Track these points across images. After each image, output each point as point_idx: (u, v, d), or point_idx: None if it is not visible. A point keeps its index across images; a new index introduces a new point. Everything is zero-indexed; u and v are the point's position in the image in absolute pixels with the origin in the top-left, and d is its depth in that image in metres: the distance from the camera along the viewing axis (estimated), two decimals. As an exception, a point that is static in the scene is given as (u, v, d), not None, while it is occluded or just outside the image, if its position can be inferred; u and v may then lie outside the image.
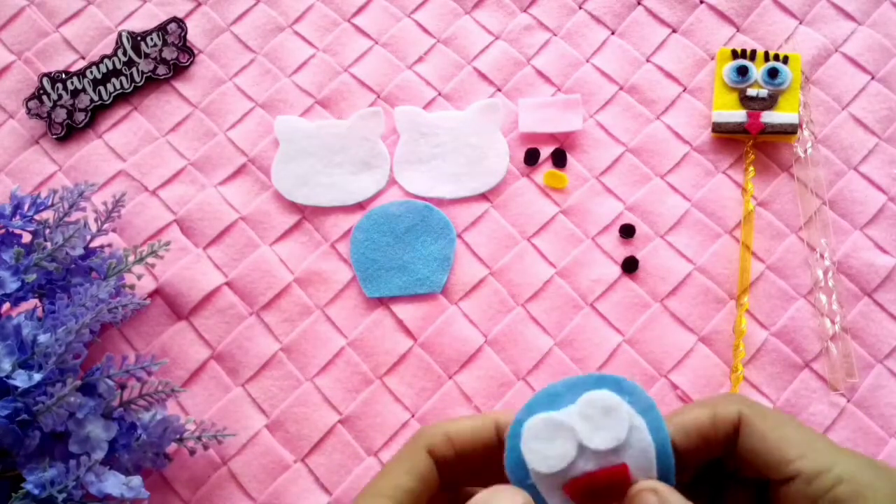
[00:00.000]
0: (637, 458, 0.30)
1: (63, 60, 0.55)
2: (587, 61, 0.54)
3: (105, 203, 0.48)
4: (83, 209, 0.46)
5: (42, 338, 0.40)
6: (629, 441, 0.30)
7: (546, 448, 0.30)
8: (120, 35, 0.54)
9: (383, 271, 0.49)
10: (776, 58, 0.51)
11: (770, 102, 0.50)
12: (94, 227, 0.47)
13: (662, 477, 0.30)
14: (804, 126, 0.51)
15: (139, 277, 0.48)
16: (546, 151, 0.51)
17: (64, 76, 0.54)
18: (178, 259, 0.50)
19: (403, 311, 0.48)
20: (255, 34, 0.55)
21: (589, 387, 0.31)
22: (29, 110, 0.53)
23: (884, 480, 0.26)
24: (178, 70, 0.54)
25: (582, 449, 0.30)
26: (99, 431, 0.40)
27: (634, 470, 0.30)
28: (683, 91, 0.53)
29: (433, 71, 0.54)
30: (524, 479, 0.30)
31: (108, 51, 0.55)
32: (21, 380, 0.38)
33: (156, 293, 0.49)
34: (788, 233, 0.49)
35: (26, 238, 0.45)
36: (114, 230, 0.51)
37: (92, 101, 0.54)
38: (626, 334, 0.48)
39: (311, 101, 0.53)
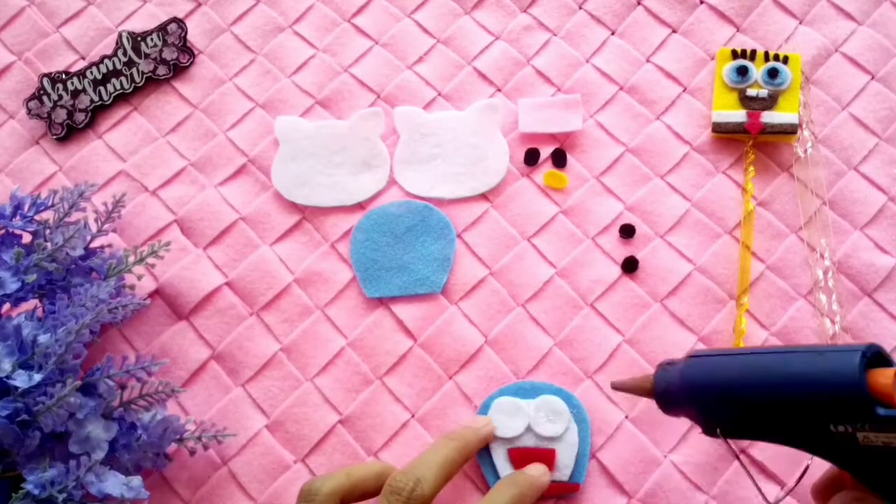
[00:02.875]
0: (564, 450, 0.43)
1: (63, 61, 0.55)
2: (587, 61, 0.54)
3: (105, 203, 0.48)
4: (83, 209, 0.46)
5: (42, 338, 0.40)
6: (563, 437, 0.44)
7: (505, 420, 0.44)
8: (120, 35, 0.54)
9: (383, 271, 0.49)
10: (776, 58, 0.51)
11: (770, 102, 0.50)
12: (94, 228, 0.47)
13: (577, 468, 0.44)
14: (804, 126, 0.51)
15: (139, 278, 0.48)
16: (546, 151, 0.51)
17: (64, 76, 0.54)
18: (178, 259, 0.50)
19: (403, 311, 0.48)
20: (255, 34, 0.55)
21: (550, 392, 0.45)
22: (29, 110, 0.53)
23: None
24: (178, 70, 0.54)
25: (529, 429, 0.44)
26: (99, 431, 0.40)
27: (559, 457, 0.43)
28: (683, 91, 0.53)
29: (433, 71, 0.54)
30: None
31: (109, 51, 0.55)
32: (21, 380, 0.38)
33: (156, 293, 0.49)
34: (788, 233, 0.49)
35: (26, 238, 0.45)
36: (114, 230, 0.51)
37: (92, 101, 0.54)
38: (626, 334, 0.48)
39: (311, 101, 0.53)
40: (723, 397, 0.32)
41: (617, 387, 0.40)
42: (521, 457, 0.44)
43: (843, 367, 0.28)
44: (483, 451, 0.44)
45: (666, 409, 0.36)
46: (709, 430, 0.34)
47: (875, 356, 0.28)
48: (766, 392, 0.30)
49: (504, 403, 0.45)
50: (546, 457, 0.44)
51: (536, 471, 0.42)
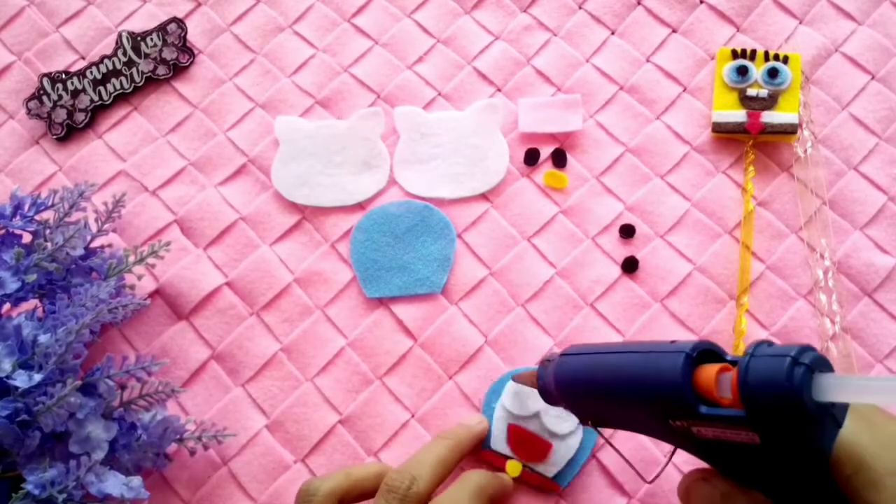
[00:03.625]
0: (561, 449, 0.44)
1: (63, 60, 0.55)
2: (587, 61, 0.54)
3: (105, 203, 0.48)
4: (83, 209, 0.46)
5: (42, 338, 0.40)
6: (566, 437, 0.44)
7: (520, 398, 0.45)
8: (120, 35, 0.54)
9: (383, 271, 0.49)
10: (776, 58, 0.51)
11: (770, 102, 0.50)
12: (94, 228, 0.47)
13: (564, 470, 0.44)
14: (804, 126, 0.51)
15: (139, 278, 0.48)
16: (546, 151, 0.51)
17: (64, 76, 0.54)
18: (178, 259, 0.50)
19: (403, 311, 0.48)
20: (255, 34, 0.55)
21: None
22: (29, 110, 0.53)
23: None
24: (178, 70, 0.54)
25: (537, 416, 0.44)
26: (99, 431, 0.40)
27: (553, 453, 0.44)
28: (683, 91, 0.53)
29: (433, 71, 0.54)
30: (492, 401, 0.46)
31: (108, 51, 0.55)
32: (21, 380, 0.38)
33: (156, 293, 0.49)
34: (788, 233, 0.49)
35: (26, 238, 0.45)
36: (114, 230, 0.51)
37: (92, 101, 0.54)
38: (627, 334, 0.48)
39: (311, 101, 0.53)
40: (586, 394, 0.35)
41: (517, 380, 0.42)
42: (518, 435, 0.44)
43: (668, 369, 0.29)
44: (486, 410, 0.45)
45: (547, 401, 0.39)
46: (582, 421, 0.37)
47: (706, 353, 0.30)
48: (614, 392, 0.32)
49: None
50: (541, 447, 0.44)
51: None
